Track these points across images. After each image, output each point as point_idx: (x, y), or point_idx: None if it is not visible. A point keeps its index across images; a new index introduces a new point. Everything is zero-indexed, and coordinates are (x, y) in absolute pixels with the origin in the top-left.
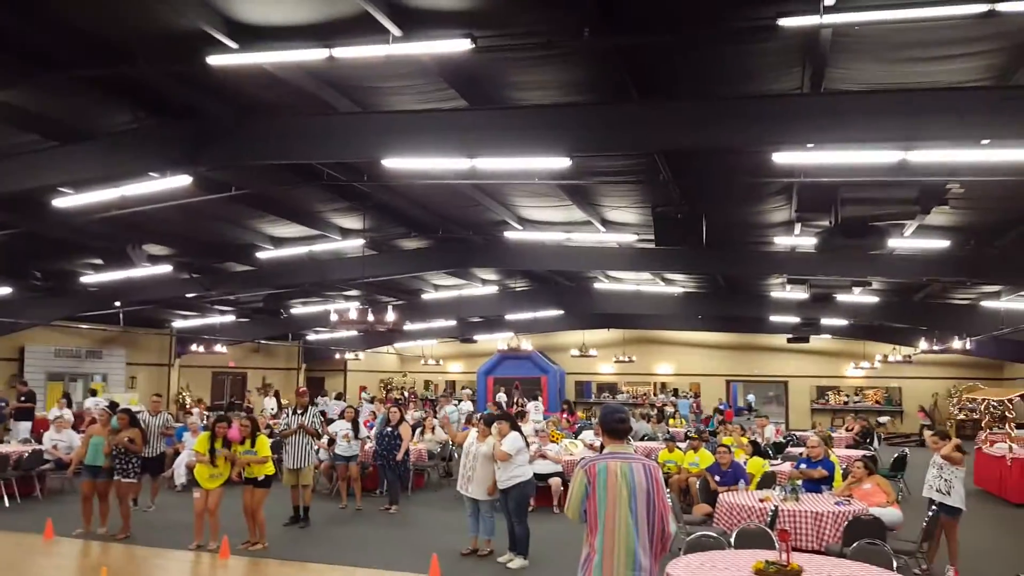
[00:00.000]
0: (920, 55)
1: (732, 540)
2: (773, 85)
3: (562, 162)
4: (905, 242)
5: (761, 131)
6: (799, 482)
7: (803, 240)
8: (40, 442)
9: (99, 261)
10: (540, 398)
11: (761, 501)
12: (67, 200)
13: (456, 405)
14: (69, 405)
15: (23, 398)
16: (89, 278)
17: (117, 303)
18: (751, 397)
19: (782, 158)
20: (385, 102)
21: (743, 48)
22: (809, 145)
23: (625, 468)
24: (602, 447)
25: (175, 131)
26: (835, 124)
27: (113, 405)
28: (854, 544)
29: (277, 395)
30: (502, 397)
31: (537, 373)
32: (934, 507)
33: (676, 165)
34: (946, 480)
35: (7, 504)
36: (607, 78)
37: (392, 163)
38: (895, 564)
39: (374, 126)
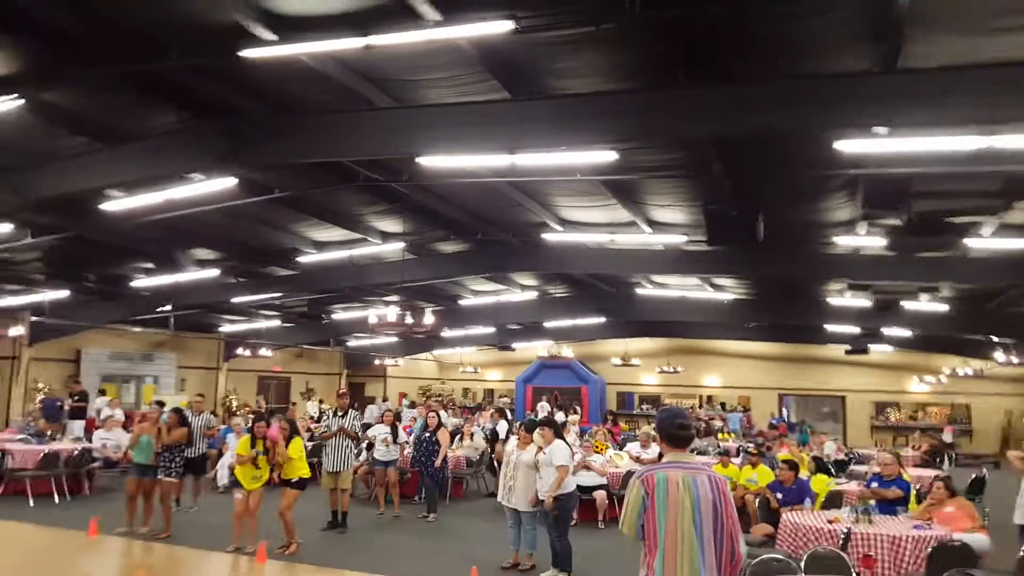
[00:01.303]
0: (1011, 24)
1: (802, 565)
2: (839, 64)
3: (607, 156)
4: (983, 242)
5: (825, 115)
6: (872, 502)
7: (868, 241)
8: (91, 441)
9: (149, 265)
10: (580, 410)
11: (830, 522)
12: (115, 204)
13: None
14: (84, 399)
15: (76, 397)
16: (140, 282)
17: (167, 307)
18: (786, 414)
19: (847, 147)
20: (424, 96)
21: (804, 22)
22: (879, 131)
23: (688, 479)
24: (660, 456)
25: (217, 131)
26: (909, 106)
27: (160, 404)
28: (943, 574)
29: (320, 401)
30: (543, 406)
31: (577, 383)
32: None
33: (729, 157)
34: None
35: (57, 501)
36: (654, 61)
37: (430, 161)
38: None
39: (413, 121)
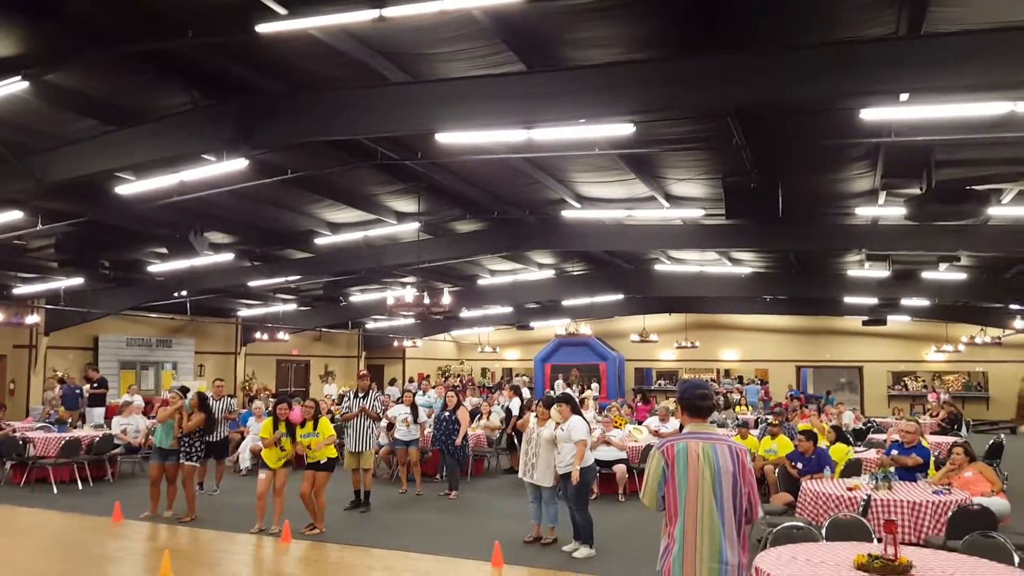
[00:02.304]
0: None
1: (823, 531)
2: (863, 30)
3: (625, 129)
4: (1002, 210)
5: (848, 82)
6: (891, 469)
7: (887, 211)
8: (111, 427)
9: (164, 250)
10: (598, 385)
11: (850, 490)
12: (128, 187)
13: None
14: (103, 386)
15: (95, 384)
16: (155, 267)
17: (183, 292)
18: (803, 385)
19: (871, 115)
20: (438, 70)
21: None
22: (903, 98)
23: (708, 449)
24: (681, 427)
25: (229, 110)
26: (934, 71)
27: (184, 390)
28: (965, 537)
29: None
30: (559, 385)
31: (595, 360)
32: None
33: (749, 128)
34: None
35: (80, 487)
36: (675, 30)
37: (446, 138)
38: (1016, 559)
39: (428, 96)
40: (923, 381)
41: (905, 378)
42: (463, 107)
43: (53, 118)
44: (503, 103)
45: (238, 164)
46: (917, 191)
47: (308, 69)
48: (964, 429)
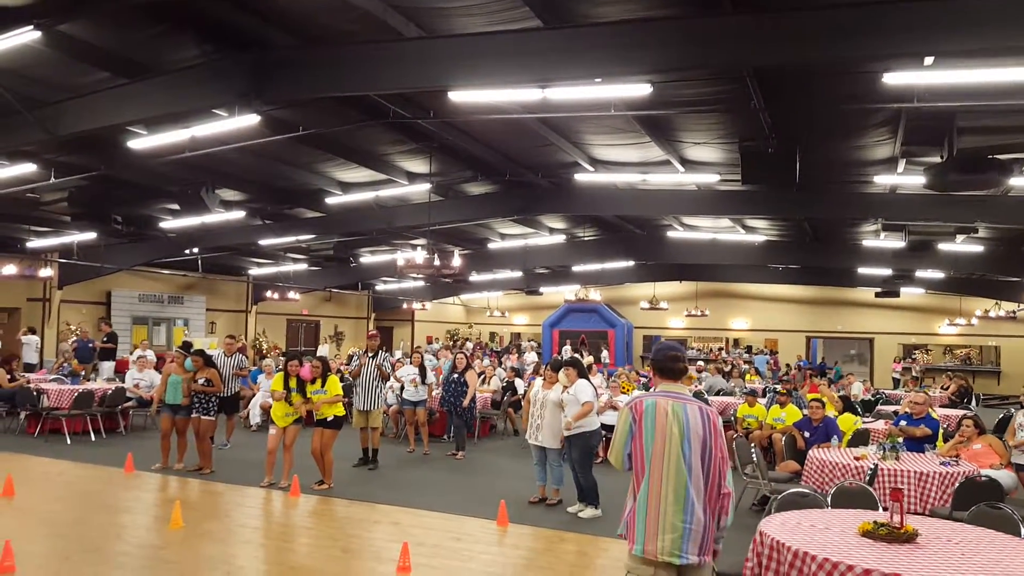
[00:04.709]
0: None
1: (829, 499)
2: None
3: (642, 89)
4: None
5: (872, 44)
6: (899, 440)
7: (906, 179)
8: (124, 381)
9: (176, 207)
10: (607, 352)
11: (857, 459)
12: (141, 141)
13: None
14: (113, 341)
15: (106, 339)
16: (167, 223)
17: (195, 249)
18: (813, 356)
19: (894, 79)
20: (454, 25)
21: None
22: (927, 62)
23: (678, 407)
24: (653, 389)
25: (241, 64)
26: (961, 33)
27: (186, 346)
28: (971, 508)
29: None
30: (567, 350)
31: (604, 327)
32: None
33: (768, 91)
34: None
35: (93, 439)
36: None
37: (459, 96)
38: (1022, 530)
39: (442, 52)
40: (932, 355)
41: (916, 351)
42: (478, 64)
43: (65, 69)
44: (518, 60)
45: (249, 120)
46: (937, 159)
47: (322, 23)
48: (974, 403)
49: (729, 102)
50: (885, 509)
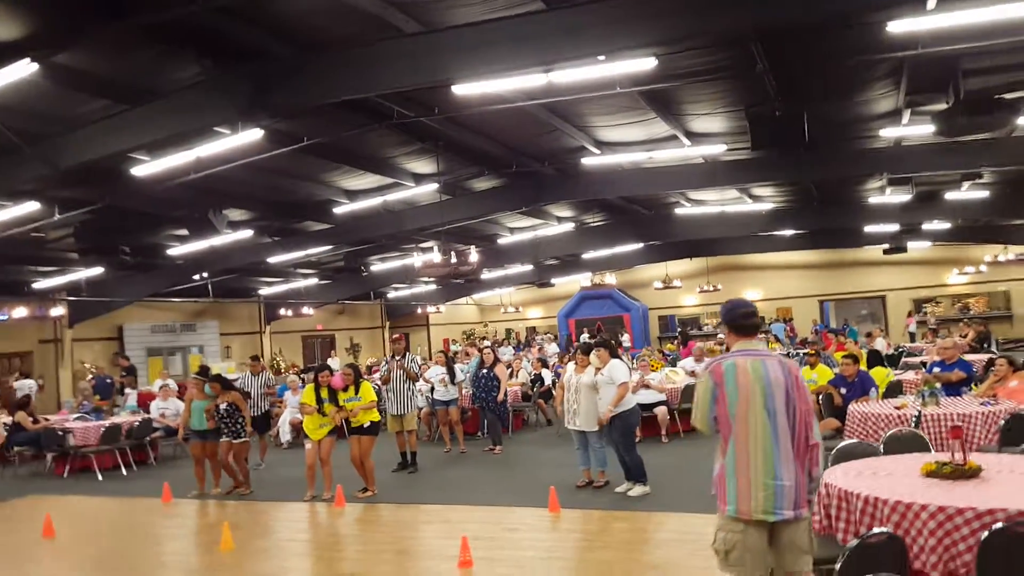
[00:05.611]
0: None
1: (881, 447)
2: None
3: (647, 63)
4: None
5: None
6: (937, 385)
7: (911, 130)
8: (148, 412)
9: (183, 232)
10: (628, 335)
11: (897, 408)
12: (143, 168)
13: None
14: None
15: (124, 372)
16: (175, 250)
17: (204, 274)
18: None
19: (899, 27)
20: (454, 16)
21: None
22: (930, 6)
23: (757, 364)
24: (727, 349)
25: (241, 78)
26: None
27: (204, 371)
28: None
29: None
30: (584, 339)
31: (619, 312)
32: None
33: (772, 53)
34: None
35: (124, 473)
36: None
37: (463, 89)
38: None
39: (444, 44)
40: (942, 308)
41: (926, 305)
42: (480, 53)
43: (64, 101)
44: (521, 44)
45: (253, 135)
46: (943, 106)
47: (320, 27)
48: (994, 347)
49: (733, 68)
50: (936, 452)
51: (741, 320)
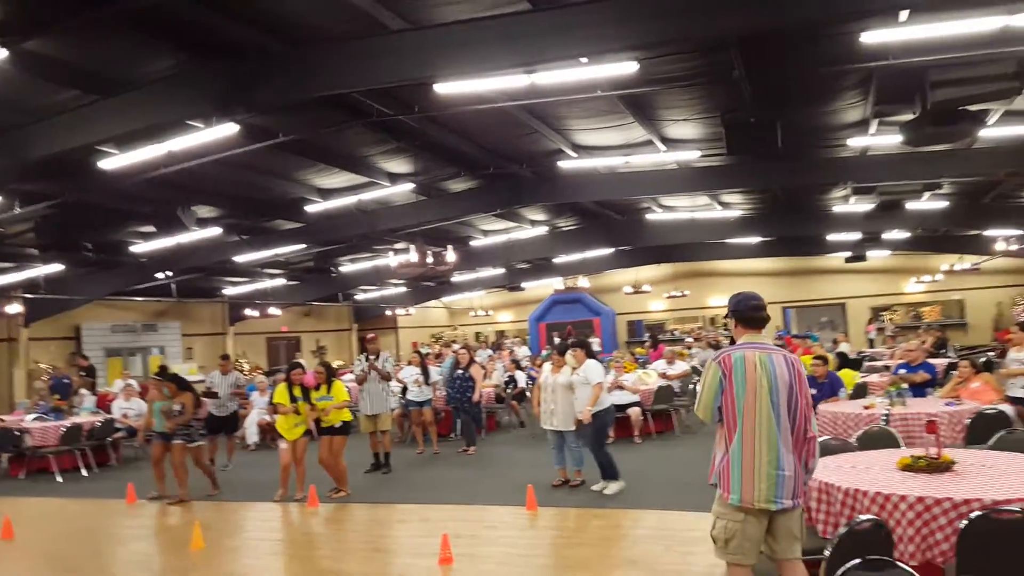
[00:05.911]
0: None
1: (855, 443)
2: None
3: (629, 67)
4: (986, 131)
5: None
6: (904, 386)
7: (878, 140)
8: (108, 412)
9: (148, 229)
10: (598, 339)
11: (867, 408)
12: (112, 161)
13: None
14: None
15: (83, 373)
16: (139, 247)
17: (168, 272)
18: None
19: (871, 37)
20: (440, 14)
21: None
22: (902, 18)
23: (764, 358)
24: (732, 341)
25: (218, 72)
26: None
27: (163, 371)
28: (992, 438)
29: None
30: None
31: (590, 316)
32: None
33: (750, 60)
34: None
35: (85, 474)
36: None
37: (445, 88)
38: None
39: (428, 42)
40: (897, 316)
41: (883, 313)
42: (466, 52)
43: (32, 90)
44: (506, 44)
45: (228, 130)
46: (909, 116)
47: (303, 22)
48: (950, 352)
49: (711, 74)
50: (905, 448)
51: (750, 313)
